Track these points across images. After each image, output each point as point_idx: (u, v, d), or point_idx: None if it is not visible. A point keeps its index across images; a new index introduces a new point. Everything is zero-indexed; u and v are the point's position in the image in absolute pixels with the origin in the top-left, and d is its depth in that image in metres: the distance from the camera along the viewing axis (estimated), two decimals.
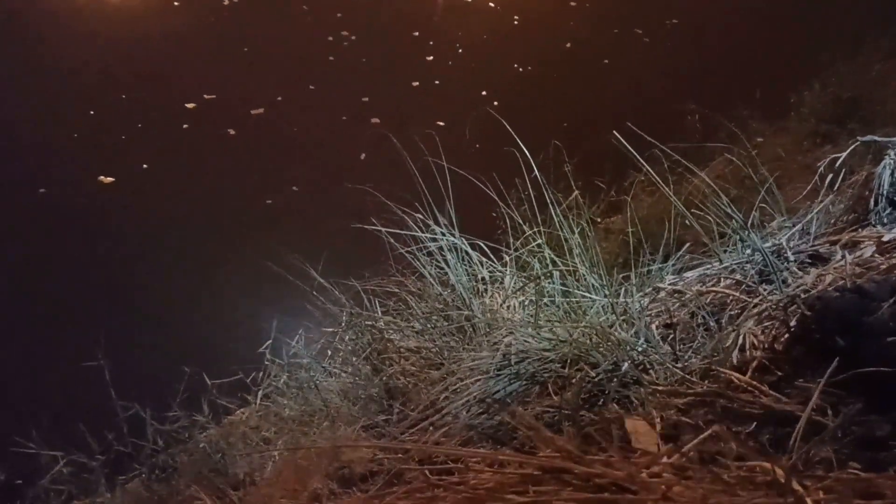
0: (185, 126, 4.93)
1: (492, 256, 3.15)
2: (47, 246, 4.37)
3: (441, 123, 4.57)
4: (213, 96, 5.04)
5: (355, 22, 5.58)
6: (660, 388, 1.95)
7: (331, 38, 5.47)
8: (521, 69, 4.88)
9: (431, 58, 5.38)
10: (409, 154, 3.06)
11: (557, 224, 2.92)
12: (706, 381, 1.96)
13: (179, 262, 4.35)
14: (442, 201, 3.13)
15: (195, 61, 5.35)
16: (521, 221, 3.09)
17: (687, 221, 2.90)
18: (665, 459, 1.23)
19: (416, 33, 5.56)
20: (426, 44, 5.45)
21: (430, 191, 3.14)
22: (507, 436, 2.12)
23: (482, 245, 3.16)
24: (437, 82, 5.12)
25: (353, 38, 5.47)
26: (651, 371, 2.14)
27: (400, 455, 2.24)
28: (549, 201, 3.02)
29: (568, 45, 4.92)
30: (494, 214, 3.27)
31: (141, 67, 5.35)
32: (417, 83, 5.05)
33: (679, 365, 2.08)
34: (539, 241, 3.01)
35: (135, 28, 5.60)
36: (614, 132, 2.83)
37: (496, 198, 3.16)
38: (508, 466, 1.28)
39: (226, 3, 5.75)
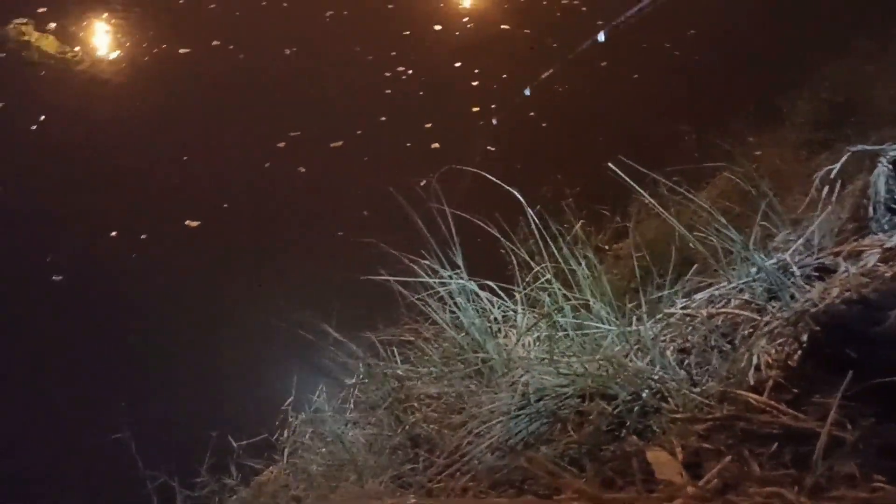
0: (266, 165, 5.26)
1: (503, 295, 3.18)
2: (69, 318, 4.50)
3: (492, 148, 4.79)
4: (298, 133, 5.39)
5: (408, 58, 6.05)
6: (679, 415, 1.96)
7: (388, 74, 5.88)
8: (560, 89, 5.14)
9: (476, 83, 5.74)
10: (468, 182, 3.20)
11: (561, 258, 2.96)
12: (724, 405, 1.97)
13: (195, 324, 4.42)
14: (450, 245, 3.18)
15: (272, 104, 5.78)
16: (527, 258, 3.12)
17: (690, 244, 2.93)
18: (687, 490, 1.25)
19: (459, 63, 5.96)
20: (471, 72, 5.87)
21: (439, 235, 3.20)
22: (532, 477, 2.13)
23: (492, 285, 3.19)
24: (493, 106, 5.43)
25: (410, 71, 5.88)
26: (669, 398, 2.15)
27: None
28: (554, 235, 3.06)
29: (603, 63, 5.17)
30: (503, 251, 3.30)
31: (226, 111, 5.79)
32: (477, 108, 5.38)
33: (697, 390, 2.09)
34: (548, 276, 3.04)
35: (205, 77, 6.10)
36: (609, 164, 2.88)
37: (500, 237, 3.20)
38: None
39: (287, 52, 6.22)
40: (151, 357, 4.22)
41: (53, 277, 4.59)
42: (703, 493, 1.25)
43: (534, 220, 3.11)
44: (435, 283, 3.11)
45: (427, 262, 3.21)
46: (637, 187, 2.78)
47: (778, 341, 2.09)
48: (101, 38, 6.65)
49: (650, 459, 1.67)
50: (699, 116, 5.33)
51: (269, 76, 6.04)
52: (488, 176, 3.26)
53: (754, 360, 2.07)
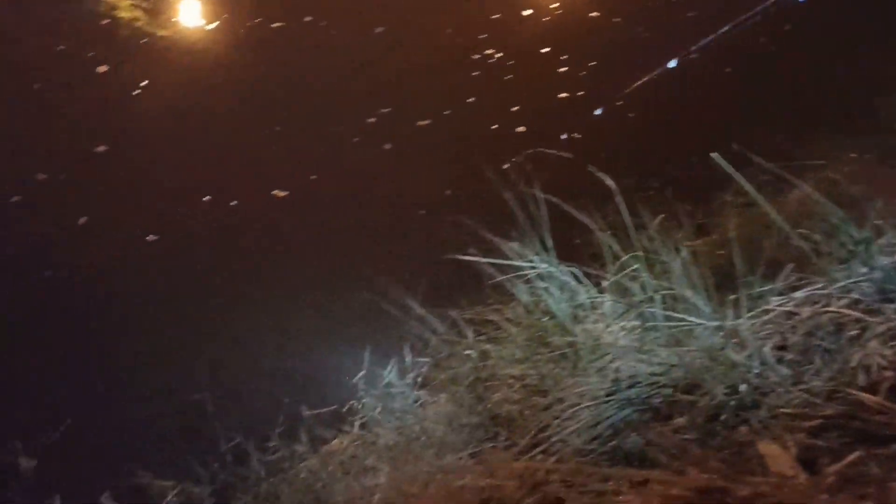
0: (355, 140, 5.37)
1: (589, 282, 3.14)
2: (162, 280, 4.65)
3: (577, 136, 4.80)
4: (389, 109, 5.47)
5: (497, 41, 6.08)
6: (786, 411, 1.91)
7: (477, 56, 5.94)
8: (649, 81, 5.11)
9: (564, 69, 5.74)
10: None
11: (650, 248, 2.91)
12: (832, 403, 1.91)
13: (277, 291, 4.50)
14: (535, 227, 3.17)
15: (363, 80, 5.88)
16: (614, 246, 3.07)
17: (790, 240, 2.84)
18: (822, 482, 1.21)
19: (547, 49, 5.93)
20: (559, 58, 5.84)
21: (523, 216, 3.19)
22: (623, 459, 2.11)
23: (576, 271, 3.15)
24: (580, 93, 5.46)
25: (499, 55, 5.94)
26: (770, 394, 2.09)
27: (513, 481, 2.24)
28: (642, 224, 3.01)
29: (694, 56, 5.11)
30: (578, 241, 3.27)
31: (317, 85, 5.90)
32: (566, 94, 5.39)
33: (801, 387, 2.03)
34: (636, 265, 2.99)
35: (297, 52, 6.25)
36: (713, 154, 2.81)
37: (586, 222, 3.16)
38: (653, 489, 1.27)
39: (377, 31, 6.31)
40: (234, 320, 4.31)
41: (148, 237, 4.74)
42: (838, 486, 1.21)
43: (621, 208, 3.07)
44: (523, 265, 3.09)
45: (511, 243, 3.20)
46: (741, 178, 2.71)
47: (892, 343, 2.02)
48: (199, 10, 6.87)
49: (762, 451, 1.63)
50: (792, 116, 5.16)
51: (359, 53, 6.12)
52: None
53: (865, 361, 2.00)
